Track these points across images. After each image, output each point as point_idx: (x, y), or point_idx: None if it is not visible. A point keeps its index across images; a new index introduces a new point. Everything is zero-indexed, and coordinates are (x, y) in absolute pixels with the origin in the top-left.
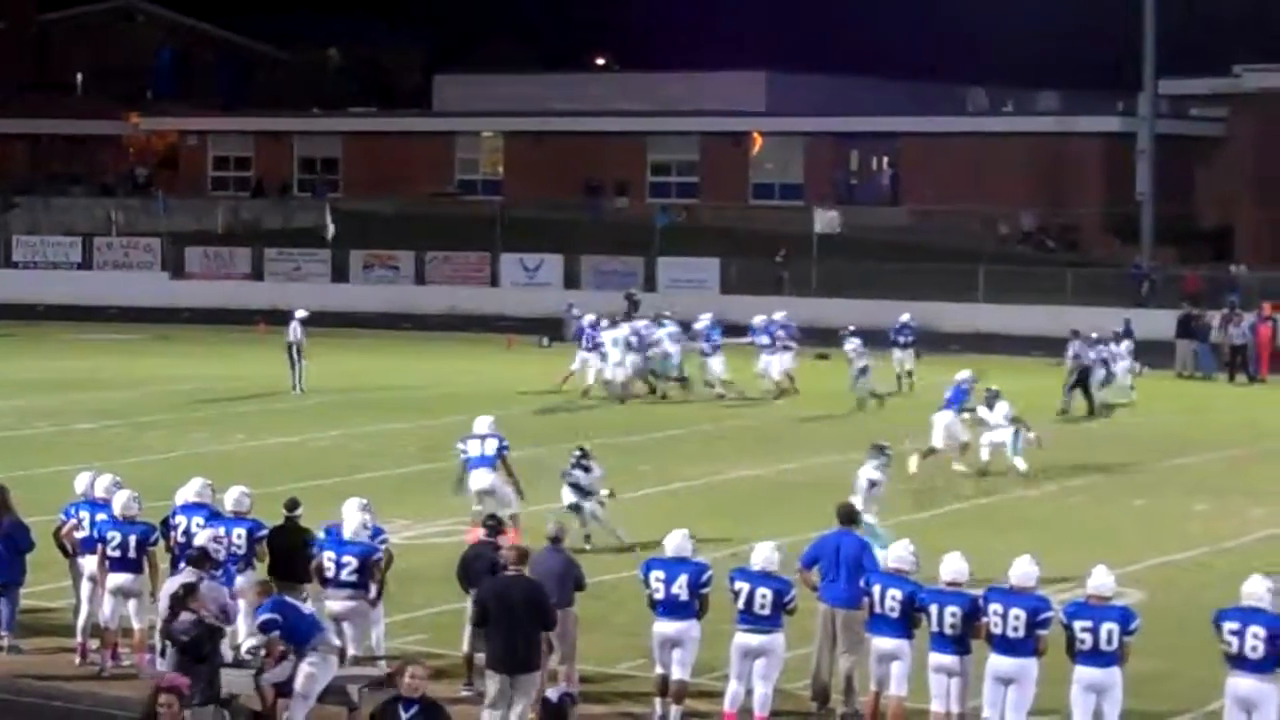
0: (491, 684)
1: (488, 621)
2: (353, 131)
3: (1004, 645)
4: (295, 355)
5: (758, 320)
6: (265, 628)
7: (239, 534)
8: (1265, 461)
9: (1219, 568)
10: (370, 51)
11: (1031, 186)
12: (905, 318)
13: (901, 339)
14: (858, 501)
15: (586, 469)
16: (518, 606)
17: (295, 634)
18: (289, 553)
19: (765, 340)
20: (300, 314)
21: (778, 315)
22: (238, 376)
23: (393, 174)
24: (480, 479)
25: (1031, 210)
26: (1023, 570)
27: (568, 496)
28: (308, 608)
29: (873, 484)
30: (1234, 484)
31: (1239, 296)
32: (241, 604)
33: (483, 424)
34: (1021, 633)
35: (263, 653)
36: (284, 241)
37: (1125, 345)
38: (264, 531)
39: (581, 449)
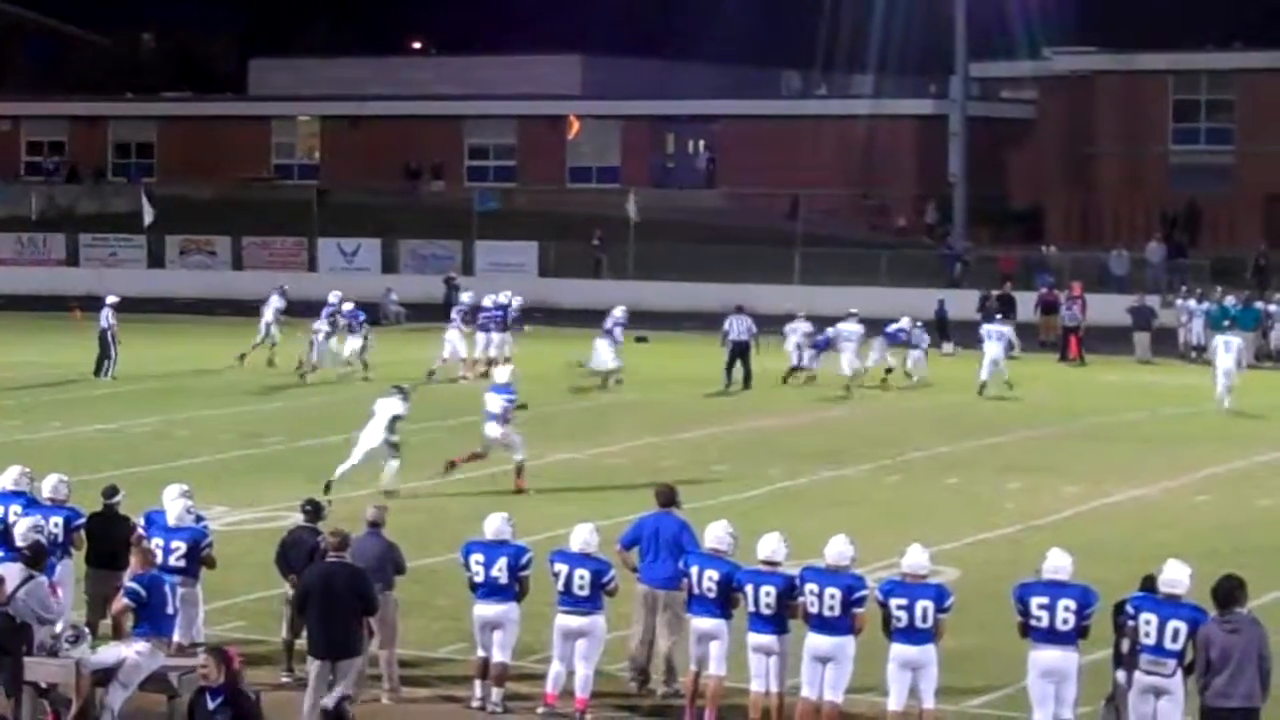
0: (312, 670)
1: (309, 607)
2: (168, 116)
3: (820, 624)
4: (110, 341)
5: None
6: (126, 594)
7: (56, 522)
8: (1077, 440)
9: (1032, 545)
10: (185, 35)
11: (846, 169)
12: (619, 312)
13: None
14: None
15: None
16: (340, 592)
17: (149, 618)
18: (108, 540)
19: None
20: (111, 300)
21: (502, 296)
22: (53, 364)
23: (209, 159)
24: (491, 430)
25: (931, 203)
26: (837, 549)
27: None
28: (174, 604)
29: None
30: (1046, 462)
31: (1051, 276)
32: (61, 593)
33: (503, 373)
34: (837, 611)
35: (84, 635)
36: (99, 227)
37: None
38: (81, 520)
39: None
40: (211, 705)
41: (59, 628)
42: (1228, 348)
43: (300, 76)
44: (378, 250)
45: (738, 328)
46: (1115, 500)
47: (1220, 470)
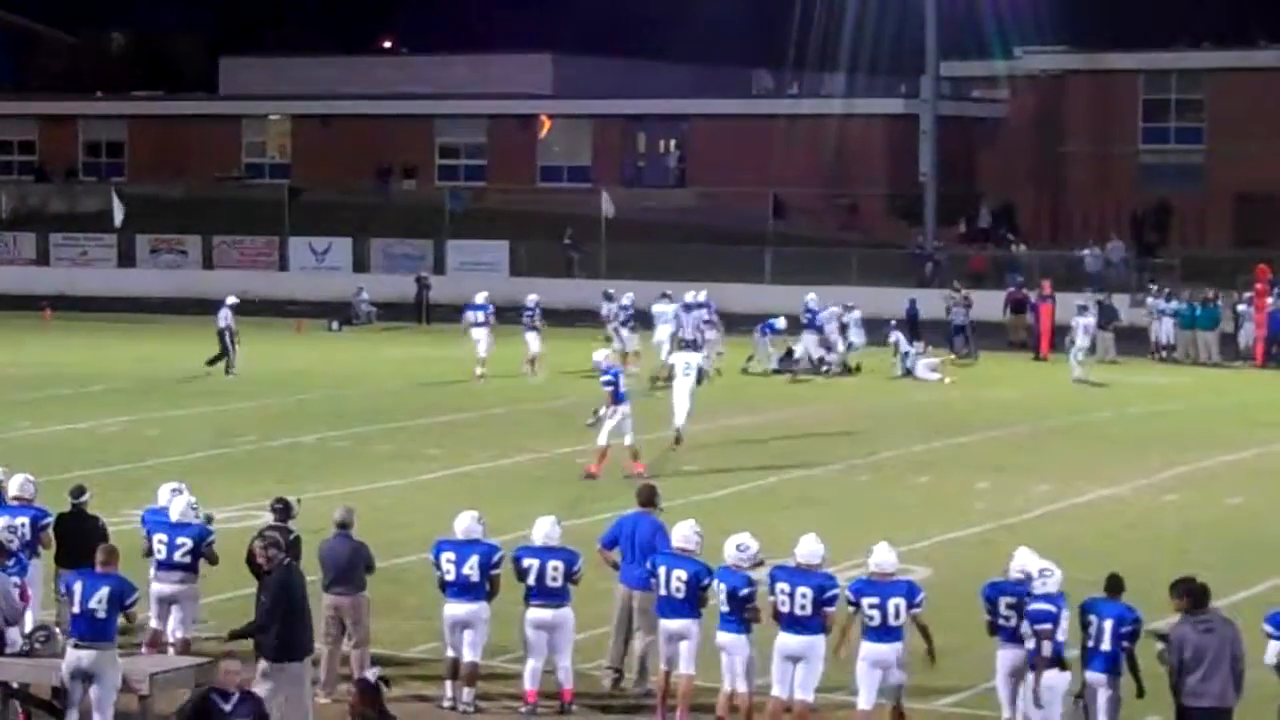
0: (262, 670)
1: (277, 612)
2: (138, 115)
3: (791, 623)
4: (229, 341)
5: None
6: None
7: (22, 522)
8: (1046, 439)
9: (1003, 544)
10: (155, 34)
11: (818, 168)
12: (532, 299)
13: (526, 319)
14: None
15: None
16: (296, 595)
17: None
18: (78, 540)
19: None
20: (231, 300)
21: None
22: (23, 363)
23: (179, 158)
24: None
25: (986, 207)
26: (808, 548)
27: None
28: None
29: None
30: (1017, 461)
31: (1021, 275)
32: (31, 593)
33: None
34: (809, 610)
35: (53, 635)
36: (70, 226)
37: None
38: (48, 520)
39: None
40: (227, 706)
41: (29, 627)
42: (1086, 330)
43: (271, 75)
44: (349, 249)
45: (689, 324)
46: (1086, 499)
47: (1190, 469)
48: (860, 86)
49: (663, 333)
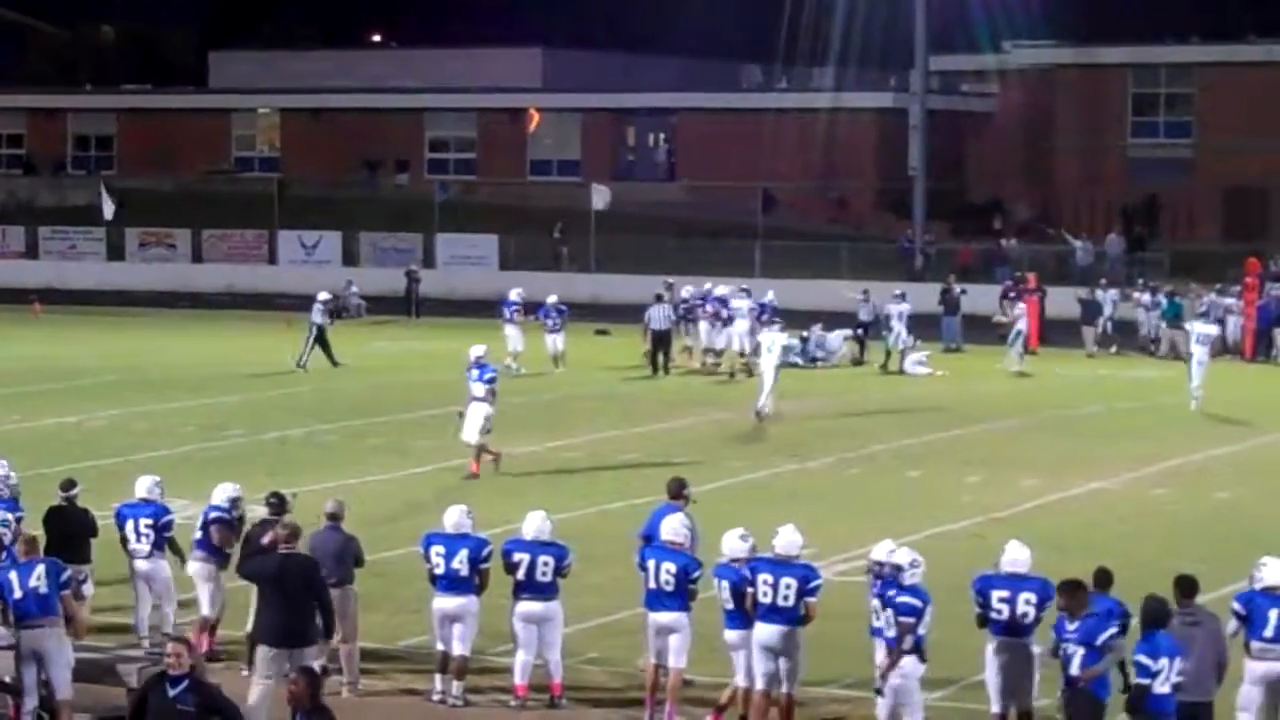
0: (263, 655)
1: (264, 596)
2: (128, 108)
3: (771, 614)
4: (320, 335)
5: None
6: None
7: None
8: (1035, 433)
9: (993, 538)
10: (145, 27)
11: (807, 162)
12: (551, 300)
13: (549, 321)
14: None
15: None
16: (298, 582)
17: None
18: (68, 534)
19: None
20: (323, 296)
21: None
22: (13, 357)
23: (169, 151)
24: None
25: (1024, 202)
26: (787, 539)
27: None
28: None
29: None
30: (1006, 455)
31: (1011, 269)
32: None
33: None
34: (791, 601)
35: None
36: (59, 220)
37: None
38: (19, 513)
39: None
40: (173, 692)
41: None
42: (1021, 315)
43: (261, 69)
44: (338, 243)
45: (659, 316)
46: (1074, 493)
47: (1179, 463)
48: (849, 81)
49: (740, 327)
